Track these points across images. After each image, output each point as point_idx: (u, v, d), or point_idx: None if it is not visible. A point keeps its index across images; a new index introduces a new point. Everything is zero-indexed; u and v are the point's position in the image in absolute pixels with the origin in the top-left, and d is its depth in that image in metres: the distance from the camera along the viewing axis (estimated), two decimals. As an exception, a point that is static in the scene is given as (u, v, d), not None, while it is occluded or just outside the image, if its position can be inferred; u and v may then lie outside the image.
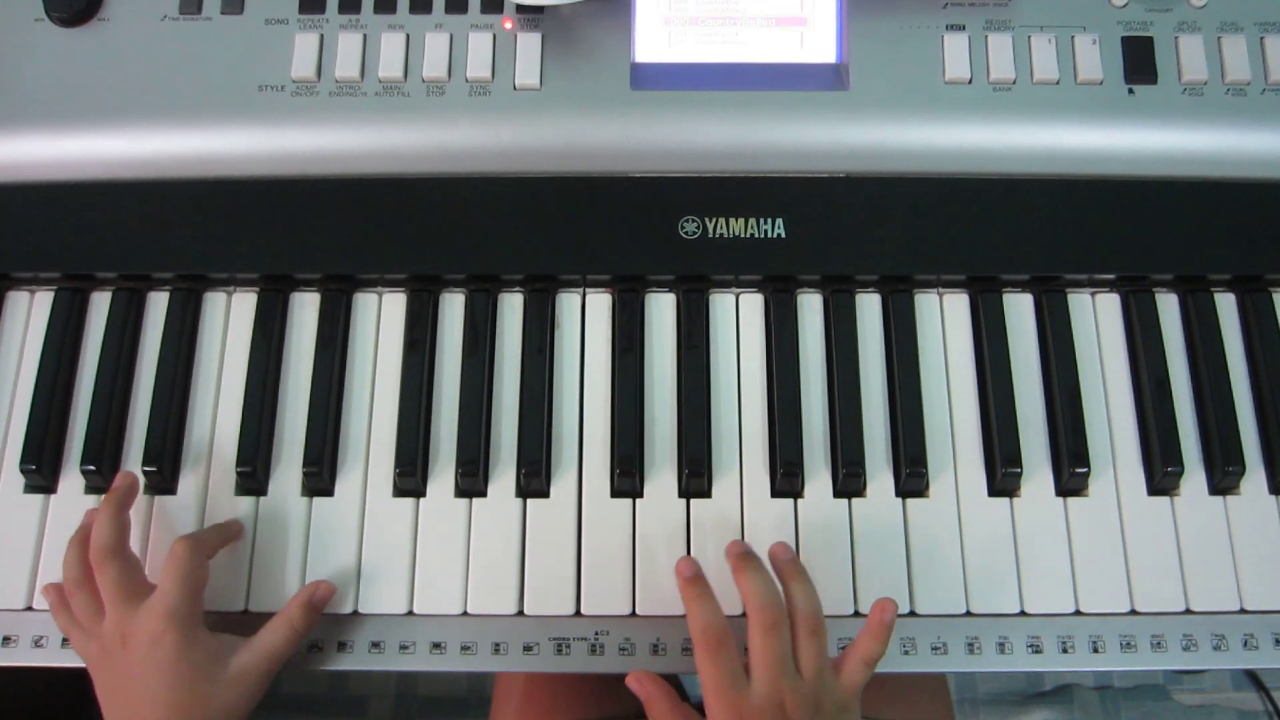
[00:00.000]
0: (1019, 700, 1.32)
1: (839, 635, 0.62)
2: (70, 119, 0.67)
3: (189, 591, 0.58)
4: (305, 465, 0.64)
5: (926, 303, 0.68)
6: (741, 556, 0.59)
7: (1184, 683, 1.32)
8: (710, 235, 0.67)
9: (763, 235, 0.67)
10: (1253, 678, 1.27)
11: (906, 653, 0.62)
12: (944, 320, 0.68)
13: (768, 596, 0.57)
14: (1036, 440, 0.65)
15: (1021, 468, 0.64)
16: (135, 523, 0.63)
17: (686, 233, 0.67)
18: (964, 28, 0.68)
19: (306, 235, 0.67)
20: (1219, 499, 0.64)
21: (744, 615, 0.57)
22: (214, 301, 0.69)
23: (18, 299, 0.69)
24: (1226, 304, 0.68)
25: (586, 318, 0.68)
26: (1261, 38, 0.68)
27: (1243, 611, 0.62)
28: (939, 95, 0.67)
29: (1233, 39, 0.68)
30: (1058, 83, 0.67)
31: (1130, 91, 0.67)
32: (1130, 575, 0.63)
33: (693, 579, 0.58)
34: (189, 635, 0.57)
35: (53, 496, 0.65)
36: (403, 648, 0.62)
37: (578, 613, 0.62)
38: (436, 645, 0.62)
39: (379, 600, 0.63)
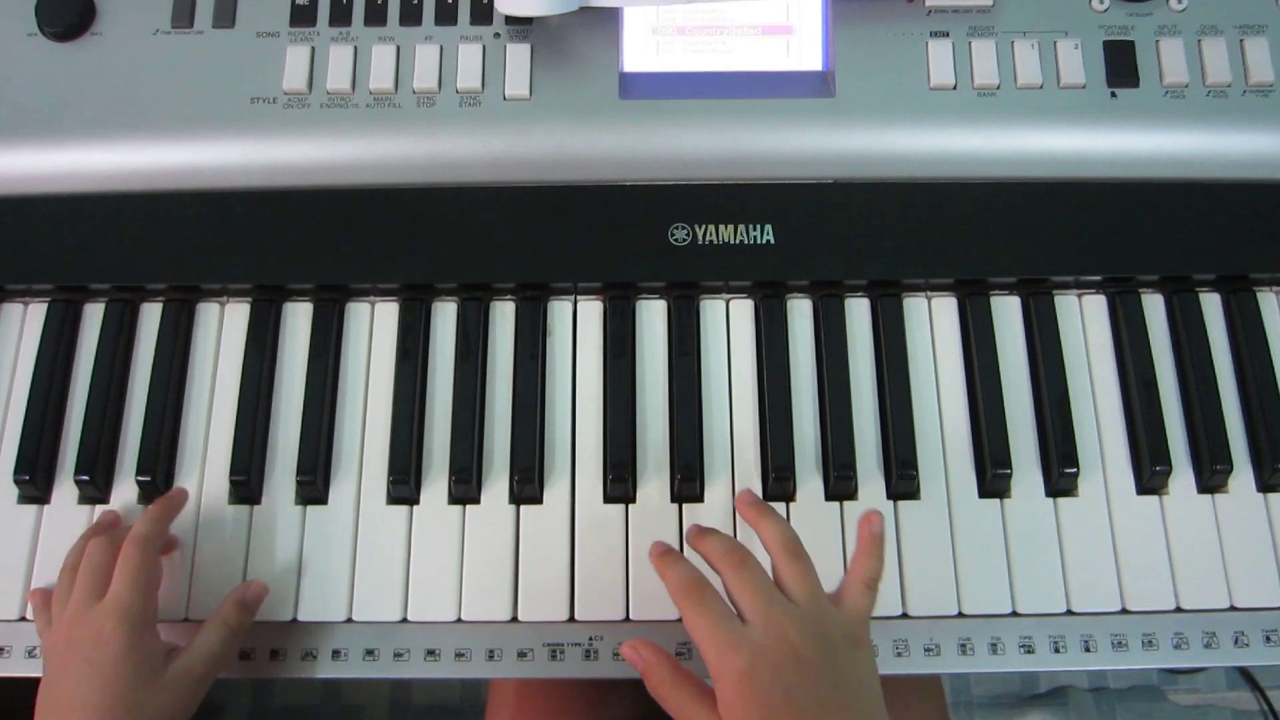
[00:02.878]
0: (1014, 703, 1.32)
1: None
2: (63, 132, 0.68)
3: (140, 591, 0.57)
4: (299, 474, 0.64)
5: (915, 306, 0.69)
6: (695, 533, 0.58)
7: (1179, 683, 1.32)
8: (700, 242, 0.67)
9: (752, 242, 0.67)
10: (1247, 677, 1.27)
11: (899, 654, 0.62)
12: (932, 324, 0.69)
13: (727, 544, 0.55)
14: (1026, 441, 0.66)
15: (1011, 469, 0.64)
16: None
17: (676, 240, 0.67)
18: (948, 34, 0.69)
19: (299, 246, 0.67)
20: (1207, 497, 0.65)
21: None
22: (207, 312, 0.69)
23: (11, 311, 0.69)
24: (1212, 304, 0.69)
25: (578, 325, 0.68)
26: (1241, 40, 0.68)
27: (1233, 609, 0.63)
28: (924, 101, 0.68)
29: (1213, 41, 0.68)
30: (1041, 87, 0.68)
31: (1113, 95, 0.68)
32: (1121, 574, 0.63)
33: (664, 552, 0.57)
34: (137, 636, 0.56)
35: (46, 507, 0.65)
36: (397, 655, 0.62)
37: (572, 618, 0.63)
38: (431, 652, 0.62)
39: (373, 608, 0.63)
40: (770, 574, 0.55)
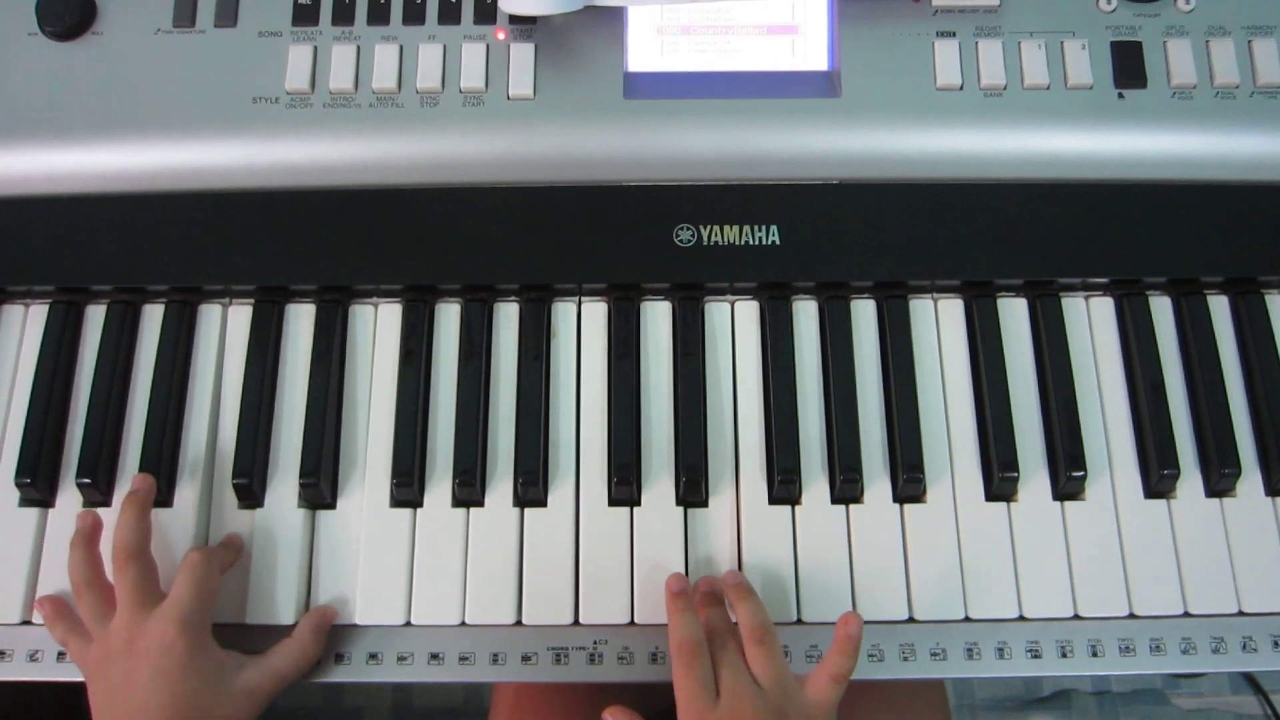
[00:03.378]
0: (1017, 706, 1.32)
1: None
2: (64, 132, 0.67)
3: (202, 601, 0.58)
4: (301, 477, 0.64)
5: (921, 308, 0.68)
6: (735, 591, 0.60)
7: (1182, 686, 1.32)
8: (705, 243, 0.67)
9: (757, 243, 0.67)
10: (1250, 681, 1.26)
11: (905, 659, 0.62)
12: (939, 326, 0.68)
13: (756, 619, 0.58)
14: (1033, 445, 0.65)
15: (1018, 472, 0.64)
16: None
17: (681, 241, 0.67)
18: (954, 34, 0.69)
19: (301, 247, 0.67)
20: (1215, 501, 0.65)
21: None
22: (209, 314, 0.69)
23: (12, 312, 0.69)
24: (1220, 307, 0.68)
25: (582, 326, 0.68)
26: (1249, 40, 0.68)
27: (1241, 614, 0.62)
28: (930, 102, 0.68)
29: (1221, 42, 0.68)
30: (1048, 88, 0.68)
31: (1120, 96, 0.68)
32: (1128, 579, 0.63)
33: (679, 593, 0.60)
34: (199, 644, 0.57)
35: (48, 510, 0.65)
36: (400, 658, 0.62)
37: (576, 622, 0.62)
38: (434, 656, 0.62)
39: (376, 611, 0.62)
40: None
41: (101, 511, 0.64)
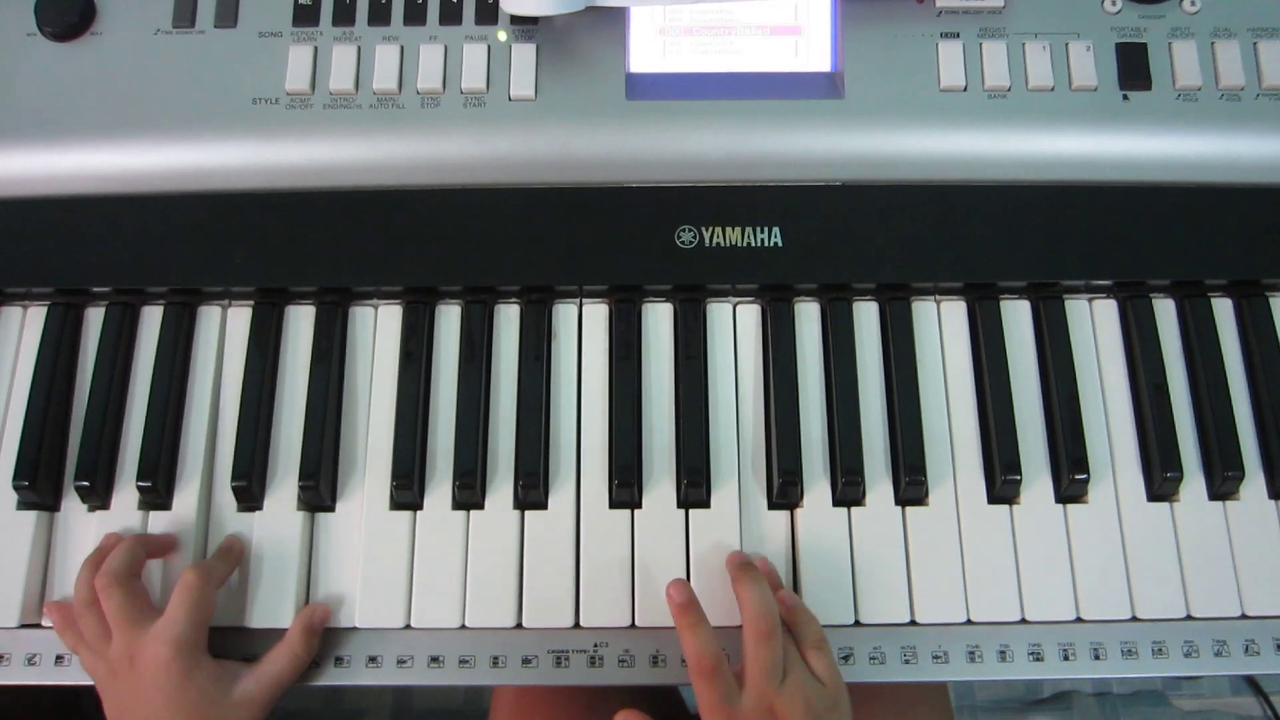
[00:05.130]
0: (1018, 707, 1.32)
1: (839, 645, 0.61)
2: (63, 133, 0.67)
3: (196, 620, 0.58)
4: (301, 479, 0.64)
5: (924, 310, 0.68)
6: (740, 567, 0.60)
7: (1183, 688, 1.32)
8: (707, 245, 0.67)
9: (759, 244, 0.67)
10: (1251, 683, 1.26)
11: (908, 662, 0.62)
12: (942, 328, 0.68)
13: (762, 608, 0.57)
14: (1035, 447, 0.65)
15: (1021, 475, 0.63)
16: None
17: (683, 242, 0.67)
18: (958, 35, 0.68)
19: (301, 248, 0.67)
20: (1219, 504, 0.64)
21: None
22: (209, 315, 0.68)
23: (11, 314, 0.68)
24: (1224, 309, 0.68)
25: (583, 328, 0.68)
26: (1255, 43, 0.68)
27: (1244, 617, 0.62)
28: (934, 103, 0.67)
29: (1226, 44, 0.68)
30: (1052, 89, 0.68)
31: (1125, 97, 0.68)
32: (1131, 581, 0.63)
33: (685, 605, 0.59)
34: (193, 661, 0.58)
35: (47, 513, 0.65)
36: (400, 662, 0.62)
37: (576, 625, 0.62)
38: (435, 659, 0.62)
39: (376, 614, 0.62)
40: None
41: (100, 516, 0.64)
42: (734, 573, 0.60)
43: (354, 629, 0.62)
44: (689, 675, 0.57)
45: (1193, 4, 0.68)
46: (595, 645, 0.62)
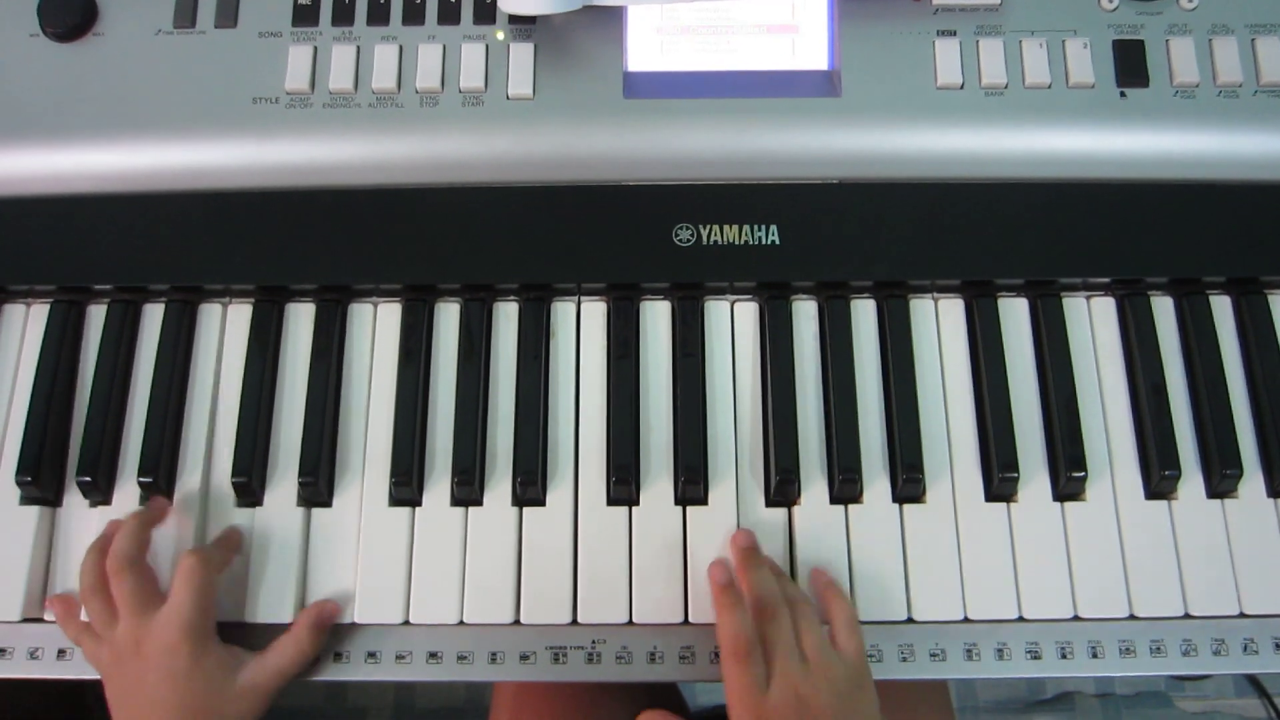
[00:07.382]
0: (1021, 708, 1.31)
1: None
2: (65, 133, 0.68)
3: (202, 605, 0.59)
4: (301, 476, 0.64)
5: (922, 308, 0.68)
6: (743, 557, 0.61)
7: (1186, 689, 1.31)
8: (704, 243, 0.67)
9: (757, 242, 0.67)
10: (1254, 683, 1.26)
11: (904, 659, 0.62)
12: (939, 325, 0.68)
13: (767, 590, 0.58)
14: (1033, 445, 0.65)
15: (1018, 473, 0.63)
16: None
17: (681, 240, 0.67)
18: (955, 33, 0.68)
19: (301, 246, 0.67)
20: (1217, 503, 0.64)
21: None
22: (209, 313, 0.69)
23: (13, 312, 0.69)
24: (1222, 307, 0.68)
25: (581, 326, 0.68)
26: (1252, 39, 0.68)
27: (1242, 615, 0.62)
28: (931, 101, 0.67)
29: (1224, 41, 0.68)
30: (1049, 87, 0.68)
31: (1122, 94, 0.67)
32: (1129, 580, 0.62)
33: (727, 586, 0.59)
34: (202, 646, 0.58)
35: (49, 509, 0.65)
36: (399, 657, 0.62)
37: (574, 621, 0.62)
38: (433, 655, 0.62)
39: (375, 610, 0.62)
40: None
41: (102, 511, 0.64)
42: (739, 557, 0.61)
43: (353, 625, 0.62)
44: (722, 656, 0.56)
45: (1190, 1, 0.68)
46: (593, 642, 0.62)
